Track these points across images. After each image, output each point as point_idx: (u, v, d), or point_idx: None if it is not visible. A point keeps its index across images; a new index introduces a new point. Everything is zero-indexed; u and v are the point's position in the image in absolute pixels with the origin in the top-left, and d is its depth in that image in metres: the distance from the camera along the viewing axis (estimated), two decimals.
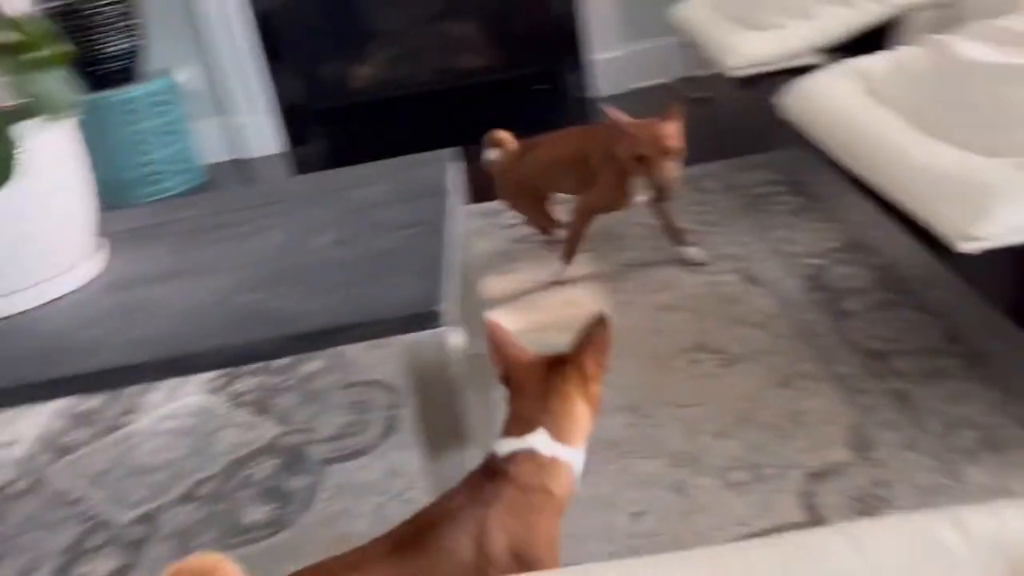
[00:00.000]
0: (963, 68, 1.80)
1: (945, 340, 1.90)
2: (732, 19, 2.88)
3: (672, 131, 2.16)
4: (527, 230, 2.80)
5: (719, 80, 2.82)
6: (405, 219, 1.59)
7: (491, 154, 2.60)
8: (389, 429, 1.94)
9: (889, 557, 0.79)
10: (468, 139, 4.05)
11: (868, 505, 1.50)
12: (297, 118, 4.21)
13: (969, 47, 1.87)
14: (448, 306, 1.28)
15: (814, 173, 2.81)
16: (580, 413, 1.11)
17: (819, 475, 1.58)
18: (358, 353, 2.21)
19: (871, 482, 1.55)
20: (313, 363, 2.24)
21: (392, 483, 1.77)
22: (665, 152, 2.15)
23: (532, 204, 2.60)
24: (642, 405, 1.85)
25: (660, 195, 2.22)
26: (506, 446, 1.09)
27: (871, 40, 2.58)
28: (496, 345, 1.18)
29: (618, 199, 2.37)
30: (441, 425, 1.33)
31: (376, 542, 1.03)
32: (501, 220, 2.92)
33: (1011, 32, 1.89)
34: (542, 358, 1.16)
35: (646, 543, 1.50)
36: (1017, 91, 1.62)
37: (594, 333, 1.12)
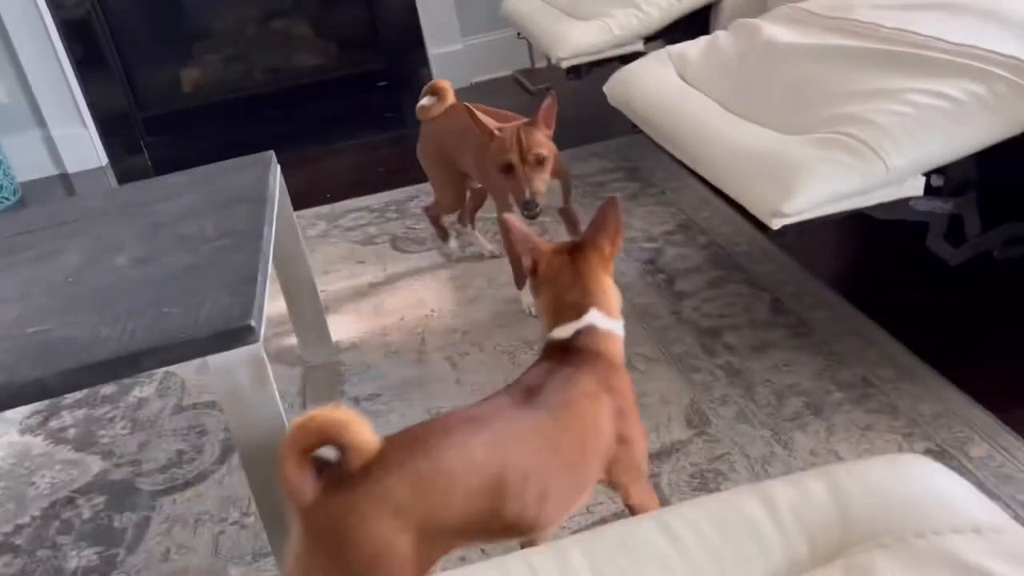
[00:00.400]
0: (768, 50, 1.87)
1: (772, 312, 1.97)
2: (560, 10, 2.90)
3: (541, 138, 1.85)
4: (372, 230, 2.73)
5: (558, 72, 2.83)
6: (217, 230, 1.50)
7: (425, 100, 2.25)
8: (226, 452, 1.84)
9: (699, 539, 0.80)
10: (310, 139, 3.96)
11: (707, 480, 1.53)
12: (123, 127, 3.95)
13: (773, 30, 1.95)
14: (262, 320, 1.21)
15: (648, 159, 2.88)
16: (612, 288, 1.23)
17: (661, 455, 1.60)
18: (190, 374, 2.09)
19: (708, 458, 1.58)
20: (143, 389, 2.10)
21: (229, 510, 1.67)
22: (534, 161, 1.84)
23: (445, 177, 2.28)
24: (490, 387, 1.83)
25: (525, 211, 1.85)
26: (567, 329, 1.19)
27: (700, 26, 2.66)
28: (517, 239, 1.24)
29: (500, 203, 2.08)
30: (266, 447, 1.26)
31: (492, 401, 1.14)
32: (343, 222, 2.84)
33: (812, 14, 1.98)
34: (562, 246, 1.25)
35: None
36: (816, 70, 1.70)
37: (607, 216, 1.21)
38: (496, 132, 1.88)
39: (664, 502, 1.48)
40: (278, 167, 1.84)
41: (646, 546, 0.79)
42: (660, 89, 1.92)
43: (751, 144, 1.55)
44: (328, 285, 2.44)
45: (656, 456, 1.60)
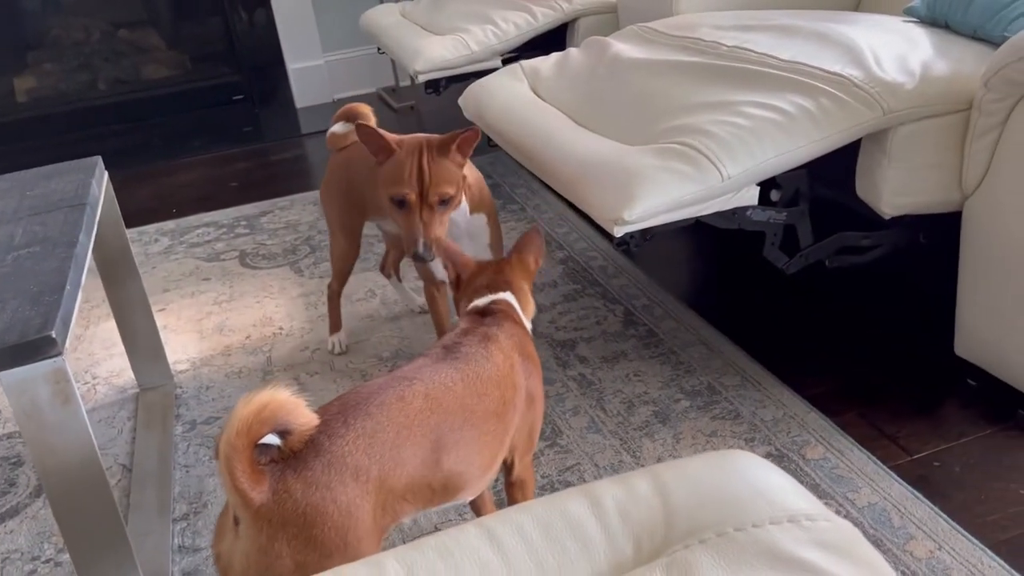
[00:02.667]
0: (615, 65, 1.90)
1: (624, 324, 1.99)
2: (418, 24, 2.88)
3: (451, 171, 1.49)
4: (220, 246, 2.60)
5: (422, 90, 2.80)
6: (27, 237, 1.37)
7: (337, 127, 1.86)
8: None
9: (522, 543, 0.76)
10: (159, 153, 3.76)
11: (556, 492, 1.51)
12: None
13: (622, 47, 1.98)
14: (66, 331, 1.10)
15: (509, 176, 2.89)
16: (528, 294, 1.33)
17: None
18: (3, 401, 1.90)
19: (559, 469, 1.57)
20: None
21: (43, 547, 1.52)
22: (436, 202, 1.48)
23: (343, 221, 1.87)
24: None
25: (414, 259, 1.52)
26: (484, 300, 1.28)
27: (558, 45, 2.69)
28: (447, 254, 1.35)
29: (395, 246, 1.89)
30: (74, 473, 1.14)
31: (412, 364, 1.14)
32: (189, 238, 2.69)
33: (659, 33, 2.04)
34: (488, 262, 1.37)
35: None
36: (660, 84, 1.73)
37: (532, 240, 1.34)
38: (395, 146, 1.49)
39: None
40: (105, 173, 1.72)
41: (467, 553, 0.75)
42: (512, 102, 1.92)
43: (596, 154, 1.56)
44: (168, 303, 2.30)
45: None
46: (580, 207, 1.52)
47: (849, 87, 1.48)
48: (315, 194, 2.91)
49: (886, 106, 1.45)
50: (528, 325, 1.32)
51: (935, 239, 1.68)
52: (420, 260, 1.51)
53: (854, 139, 1.47)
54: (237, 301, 2.29)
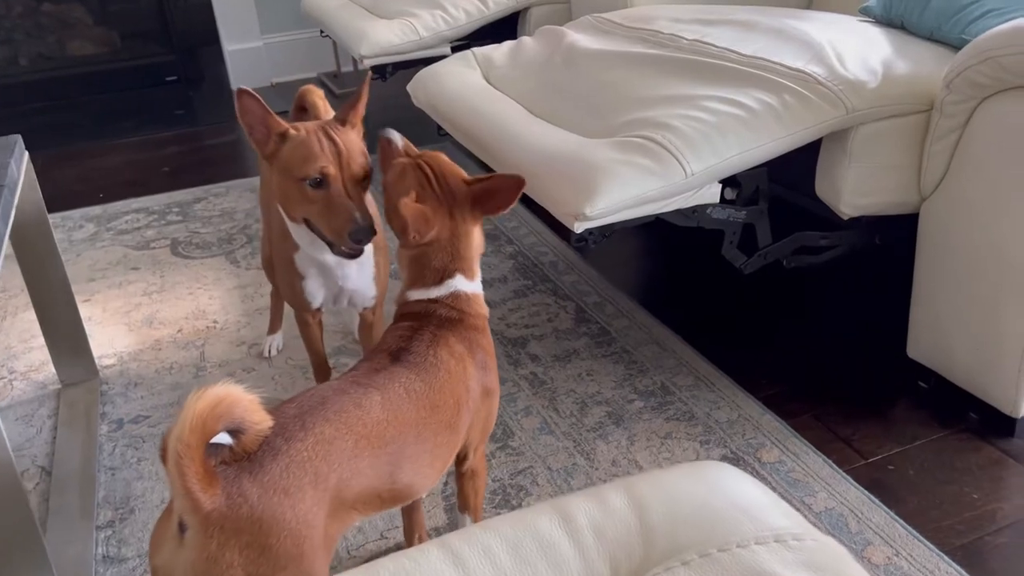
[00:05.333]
0: (571, 55, 1.84)
1: (576, 322, 1.95)
2: (363, 7, 2.78)
3: (362, 145, 1.30)
4: (150, 234, 2.47)
5: (366, 75, 2.70)
6: None
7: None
8: None
9: (490, 565, 0.70)
10: (85, 134, 3.56)
11: (509, 496, 1.45)
12: None
13: (577, 36, 1.93)
14: None
15: (457, 164, 2.81)
16: (479, 242, 1.19)
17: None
18: None
19: (510, 472, 1.51)
20: None
21: None
22: (359, 175, 1.26)
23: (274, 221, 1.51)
24: None
25: (354, 240, 1.24)
26: (430, 292, 1.15)
27: (508, 34, 2.62)
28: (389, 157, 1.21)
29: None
30: None
31: (359, 370, 1.06)
32: (117, 224, 2.55)
33: (615, 24, 1.99)
34: (439, 201, 1.16)
35: None
36: (619, 75, 1.69)
37: (503, 189, 1.16)
38: (292, 129, 1.26)
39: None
40: (25, 154, 1.59)
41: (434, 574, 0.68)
42: (464, 90, 1.85)
43: (554, 147, 1.51)
44: (93, 294, 2.16)
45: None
46: (538, 201, 1.46)
47: (813, 84, 1.45)
48: (252, 181, 2.79)
49: (850, 104, 1.43)
50: (479, 288, 1.17)
51: (891, 240, 1.67)
52: (360, 240, 1.24)
53: (818, 137, 1.45)
54: (168, 292, 2.16)
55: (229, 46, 3.80)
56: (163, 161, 3.07)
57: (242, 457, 0.88)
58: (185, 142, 3.24)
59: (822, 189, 1.55)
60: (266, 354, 1.89)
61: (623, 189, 1.34)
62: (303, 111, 1.56)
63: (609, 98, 1.62)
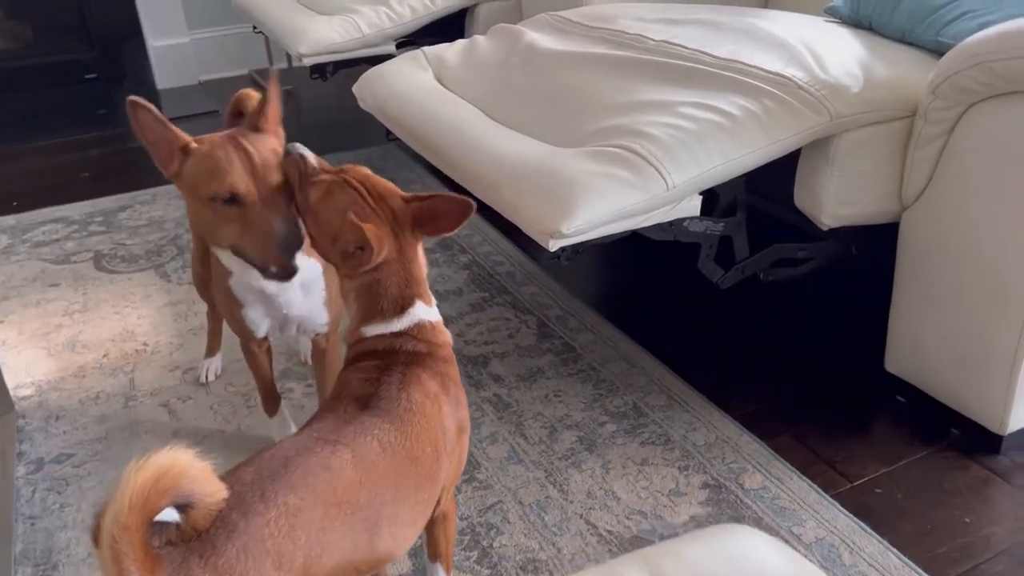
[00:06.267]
0: (530, 56, 1.74)
1: (539, 337, 1.84)
2: (300, 2, 2.62)
3: (278, 151, 1.13)
4: (71, 246, 2.27)
5: (301, 72, 2.55)
6: None
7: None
8: None
9: None
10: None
11: (479, 537, 1.34)
12: None
13: (535, 36, 1.82)
14: None
15: (402, 170, 2.68)
16: (423, 263, 1.06)
17: None
18: None
19: (479, 509, 1.39)
20: None
21: None
22: (275, 189, 1.10)
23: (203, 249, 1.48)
24: (220, 443, 1.51)
25: (283, 254, 1.10)
26: (390, 326, 1.02)
27: (456, 32, 2.50)
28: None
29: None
30: None
31: (324, 421, 0.92)
32: (33, 236, 2.34)
33: (573, 23, 1.89)
34: (383, 218, 1.02)
35: None
36: (584, 78, 1.58)
37: (451, 209, 1.03)
38: (193, 143, 1.12)
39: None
40: None
41: None
42: (416, 92, 1.72)
43: (520, 156, 1.39)
44: (7, 314, 1.97)
45: None
46: (506, 215, 1.34)
47: (794, 89, 1.38)
48: None
49: (834, 110, 1.35)
50: (437, 314, 1.06)
51: (867, 251, 1.61)
52: (289, 250, 1.09)
53: (802, 144, 1.37)
54: (92, 312, 1.98)
55: (153, 42, 3.58)
56: (83, 165, 2.85)
57: (191, 536, 0.74)
58: (107, 144, 3.02)
59: (802, 199, 1.48)
60: (203, 380, 1.73)
61: (602, 204, 1.23)
62: (240, 116, 1.39)
63: (575, 103, 1.52)
